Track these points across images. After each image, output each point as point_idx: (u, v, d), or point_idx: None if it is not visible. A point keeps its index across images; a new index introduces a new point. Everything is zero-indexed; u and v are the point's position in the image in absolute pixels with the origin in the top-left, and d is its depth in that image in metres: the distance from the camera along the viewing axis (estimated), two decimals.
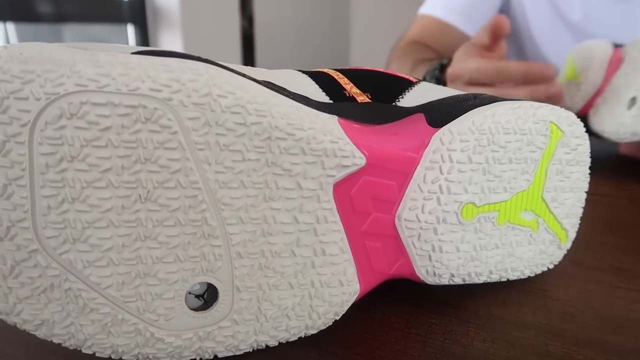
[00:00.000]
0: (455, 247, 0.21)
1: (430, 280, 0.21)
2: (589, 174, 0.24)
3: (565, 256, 0.25)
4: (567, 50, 0.51)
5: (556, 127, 0.22)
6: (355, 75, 0.24)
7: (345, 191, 0.19)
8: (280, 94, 0.18)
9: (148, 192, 0.16)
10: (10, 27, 1.88)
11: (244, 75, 0.18)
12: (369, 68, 0.26)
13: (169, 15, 1.65)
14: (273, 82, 0.20)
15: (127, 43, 1.68)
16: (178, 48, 1.65)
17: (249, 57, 1.97)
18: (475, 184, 0.21)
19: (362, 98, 0.23)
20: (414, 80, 0.25)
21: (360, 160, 0.19)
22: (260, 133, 0.17)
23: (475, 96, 0.23)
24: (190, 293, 0.17)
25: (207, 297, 0.18)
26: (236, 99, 0.16)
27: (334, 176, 0.18)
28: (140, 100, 0.15)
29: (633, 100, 0.39)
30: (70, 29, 1.86)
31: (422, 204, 0.20)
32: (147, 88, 0.15)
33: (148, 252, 0.16)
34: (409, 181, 0.20)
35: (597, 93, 0.45)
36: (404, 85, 0.25)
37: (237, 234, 0.17)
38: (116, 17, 1.61)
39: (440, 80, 0.56)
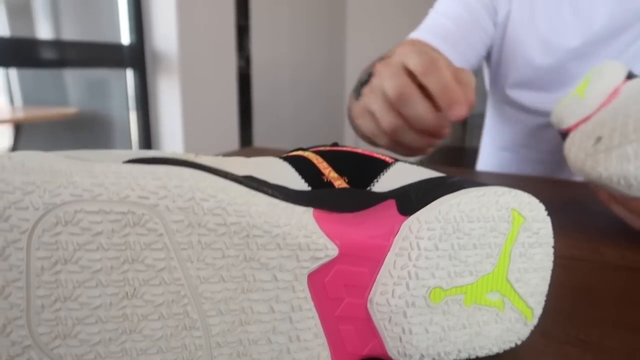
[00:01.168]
0: (424, 329, 0.22)
1: None
2: (553, 249, 0.25)
3: (536, 327, 0.26)
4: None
5: (518, 213, 0.23)
6: (333, 158, 0.26)
7: (319, 280, 0.20)
8: (260, 191, 0.20)
9: (134, 289, 0.17)
10: (13, 72, 1.93)
11: (226, 175, 0.19)
12: (348, 148, 0.28)
13: (168, 60, 1.69)
14: (254, 174, 0.21)
15: (126, 86, 1.73)
16: (176, 90, 1.69)
17: (245, 96, 2.01)
18: (442, 269, 0.22)
19: (339, 183, 0.25)
20: (389, 160, 0.27)
21: (332, 251, 0.20)
22: (239, 232, 0.18)
23: (444, 180, 0.25)
24: None
25: None
26: (217, 202, 0.18)
27: (308, 267, 0.20)
28: (130, 207, 0.17)
29: (598, 139, 0.41)
30: (71, 74, 1.91)
31: (392, 289, 0.21)
32: (136, 196, 0.17)
33: (133, 345, 0.18)
34: (380, 267, 0.22)
35: (587, 118, 0.45)
36: (380, 167, 0.27)
37: (217, 325, 0.19)
38: (116, 62, 1.65)
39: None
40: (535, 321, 0.25)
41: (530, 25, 0.72)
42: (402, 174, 0.26)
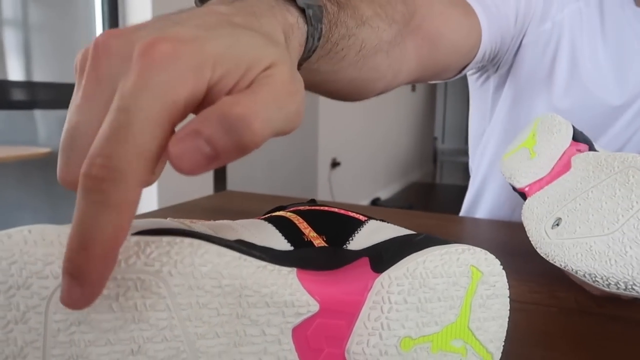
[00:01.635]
0: None
1: None
2: (509, 299, 0.28)
3: None
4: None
5: (476, 269, 0.27)
6: (312, 217, 0.29)
7: (302, 333, 0.23)
8: (249, 254, 0.22)
9: (139, 346, 0.19)
10: None
11: (219, 241, 0.22)
12: (325, 208, 0.31)
13: None
14: (244, 238, 0.24)
15: None
16: None
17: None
18: (411, 320, 0.25)
19: (319, 242, 0.27)
20: (363, 219, 0.30)
21: (314, 307, 0.23)
22: (232, 292, 0.21)
23: (411, 239, 0.28)
24: None
25: None
26: (214, 266, 0.20)
27: (292, 322, 0.22)
28: (137, 273, 0.19)
29: (557, 221, 0.44)
30: (42, 114, 1.91)
31: (367, 339, 0.24)
32: (142, 263, 0.19)
33: None
34: (356, 320, 0.24)
35: (541, 180, 0.46)
36: (354, 225, 0.30)
37: None
38: None
39: None
40: None
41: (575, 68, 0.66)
42: (374, 231, 0.29)
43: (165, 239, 0.20)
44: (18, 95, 1.63)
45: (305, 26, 0.31)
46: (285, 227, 0.27)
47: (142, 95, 0.17)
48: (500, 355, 0.28)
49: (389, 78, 0.48)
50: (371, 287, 0.25)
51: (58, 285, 0.18)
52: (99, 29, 1.75)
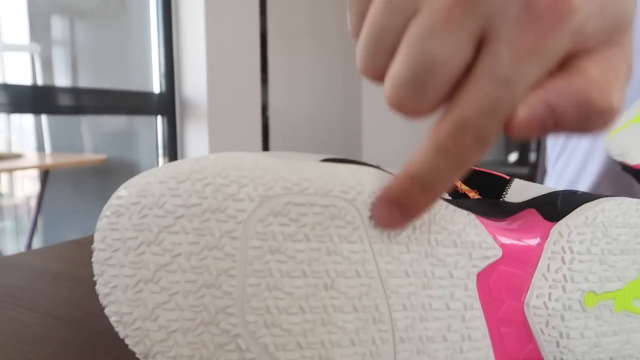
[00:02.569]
0: (580, 334, 0.22)
1: None
2: None
3: None
4: None
5: None
6: None
7: (485, 280, 0.21)
8: None
9: (332, 281, 0.18)
10: (43, 120, 1.99)
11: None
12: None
13: (197, 107, 1.75)
14: None
15: (156, 133, 1.77)
16: (204, 137, 1.73)
17: (263, 144, 2.04)
18: (594, 274, 0.22)
19: (473, 194, 0.25)
20: (507, 177, 0.28)
21: (498, 252, 0.21)
22: (422, 227, 0.19)
23: (574, 192, 0.25)
24: None
25: None
26: None
27: (478, 266, 0.20)
28: (333, 200, 0.18)
29: None
30: (99, 121, 1.96)
31: (548, 292, 0.22)
32: (338, 190, 0.18)
33: (328, 337, 0.18)
34: (534, 271, 0.22)
35: None
36: (502, 182, 0.28)
37: (401, 319, 0.19)
38: (147, 110, 1.71)
39: None
40: None
41: None
42: (524, 187, 0.27)
43: (355, 167, 0.19)
44: (86, 101, 1.68)
45: None
46: None
47: (532, 63, 0.15)
48: None
49: None
50: (548, 236, 0.23)
51: (254, 208, 0.17)
52: (154, 39, 1.79)
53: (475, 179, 0.27)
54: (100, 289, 0.17)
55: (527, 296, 0.22)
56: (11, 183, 2.35)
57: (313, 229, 0.18)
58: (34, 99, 1.61)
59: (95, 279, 0.18)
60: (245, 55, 1.90)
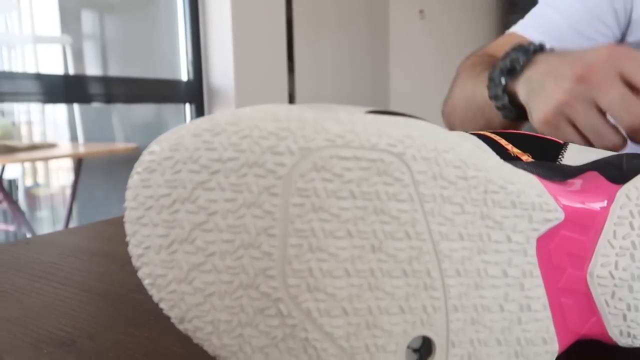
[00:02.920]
0: None
1: (622, 341, 0.21)
2: None
3: None
4: None
5: None
6: (510, 137, 0.25)
7: (546, 246, 0.19)
8: (485, 150, 0.19)
9: (380, 242, 0.16)
10: (75, 110, 2.03)
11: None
12: (519, 131, 0.27)
13: (224, 94, 1.75)
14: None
15: (185, 120, 1.78)
16: None
17: None
18: None
19: (526, 157, 0.23)
20: (561, 142, 0.26)
21: (560, 214, 0.19)
22: (477, 186, 0.17)
23: (637, 155, 0.23)
24: (408, 347, 0.17)
25: (423, 352, 0.18)
26: (457, 154, 0.17)
27: (538, 230, 0.18)
28: (380, 154, 0.16)
29: None
30: (129, 110, 1.99)
31: (614, 261, 0.20)
32: (385, 143, 0.16)
33: (376, 303, 0.17)
34: (599, 237, 0.20)
35: None
36: (556, 146, 0.26)
37: (454, 286, 0.17)
38: (176, 97, 1.72)
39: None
40: None
41: None
42: (582, 151, 0.25)
43: (402, 119, 0.17)
44: (117, 89, 1.70)
45: None
46: (486, 142, 0.23)
47: None
48: None
49: None
50: (614, 199, 0.20)
51: (296, 162, 0.16)
52: (181, 28, 1.79)
53: (527, 141, 0.25)
54: (132, 250, 0.16)
55: (591, 265, 0.20)
56: (47, 174, 2.41)
57: (359, 186, 0.16)
58: (66, 88, 1.63)
59: (127, 239, 0.17)
60: (272, 41, 1.88)
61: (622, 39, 0.64)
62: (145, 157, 0.16)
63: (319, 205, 0.16)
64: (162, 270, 0.16)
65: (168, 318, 0.17)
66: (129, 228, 0.16)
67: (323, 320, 0.16)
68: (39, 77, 1.68)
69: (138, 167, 0.16)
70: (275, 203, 0.16)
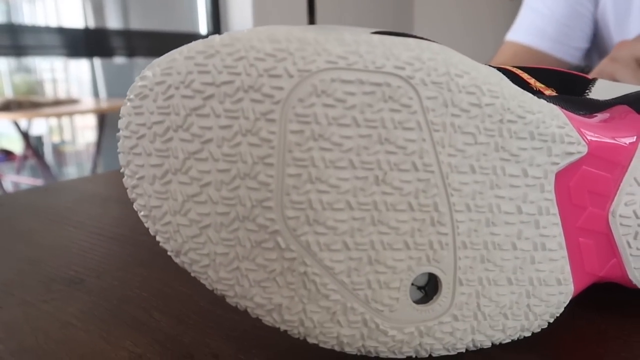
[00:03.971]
0: None
1: None
2: None
3: None
4: None
5: None
6: (532, 72, 0.23)
7: (565, 182, 0.18)
8: (505, 78, 0.17)
9: (385, 173, 0.15)
10: (97, 66, 2.03)
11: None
12: (543, 66, 0.25)
13: None
14: None
15: None
16: None
17: None
18: None
19: (549, 92, 0.22)
20: (590, 77, 0.24)
21: (583, 148, 0.17)
22: (493, 115, 0.16)
23: None
24: (412, 284, 0.17)
25: (429, 289, 0.17)
26: (471, 79, 0.16)
27: (558, 164, 0.17)
28: (385, 78, 0.15)
29: None
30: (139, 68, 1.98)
31: None
32: (391, 66, 0.15)
33: (379, 238, 0.16)
34: (625, 174, 0.19)
35: None
36: (583, 82, 0.24)
37: (464, 222, 0.16)
38: None
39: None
40: None
41: (621, 27, 0.66)
42: (611, 86, 0.23)
43: (412, 41, 0.16)
44: (132, 43, 1.69)
45: None
46: (508, 76, 0.22)
47: None
48: None
49: None
50: None
51: (295, 86, 0.15)
52: None
53: (551, 76, 0.23)
54: (127, 181, 0.16)
55: (614, 203, 0.19)
56: (73, 131, 2.45)
57: (362, 112, 0.15)
58: (87, 42, 1.63)
59: (121, 170, 0.16)
60: None
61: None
62: (137, 82, 0.15)
63: (320, 132, 0.15)
64: (157, 201, 0.16)
65: None
66: (122, 158, 0.16)
67: (323, 255, 0.15)
68: (60, 30, 1.68)
69: (130, 93, 0.15)
70: (273, 130, 0.15)
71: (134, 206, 0.16)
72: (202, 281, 0.16)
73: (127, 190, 0.16)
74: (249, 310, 0.16)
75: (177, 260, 0.16)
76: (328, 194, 0.15)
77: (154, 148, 0.15)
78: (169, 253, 0.16)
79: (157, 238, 0.16)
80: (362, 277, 0.16)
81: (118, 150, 0.16)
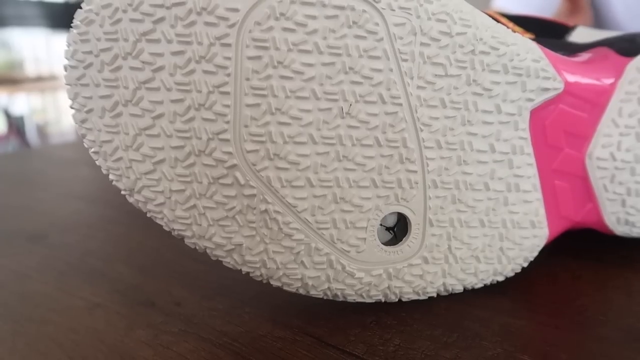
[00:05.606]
0: None
1: (619, 230, 0.19)
2: None
3: None
4: None
5: None
6: (512, 17, 0.22)
7: (540, 121, 0.17)
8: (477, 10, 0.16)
9: (350, 105, 0.15)
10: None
11: None
12: (524, 14, 0.24)
13: None
14: None
15: None
16: None
17: None
18: None
19: (528, 36, 0.21)
20: (571, 25, 0.24)
21: (559, 84, 0.17)
22: (464, 45, 0.15)
23: None
24: (381, 225, 0.16)
25: (398, 231, 0.16)
26: (442, 5, 0.15)
27: (532, 100, 0.16)
28: (349, 1, 0.14)
29: None
30: None
31: (617, 141, 0.18)
32: None
33: (344, 175, 0.15)
34: (602, 114, 0.18)
35: None
36: (563, 29, 0.23)
37: (434, 159, 0.16)
38: None
39: None
40: None
41: None
42: (591, 33, 0.22)
43: None
44: None
45: None
46: None
47: None
48: None
49: None
50: (622, 74, 0.18)
51: (251, 7, 0.14)
52: None
53: (531, 22, 0.22)
54: (75, 116, 0.15)
55: (591, 145, 0.18)
56: (57, 112, 2.40)
57: (325, 38, 0.14)
58: (68, 16, 1.58)
59: (70, 105, 0.15)
60: None
61: None
62: (83, 7, 0.14)
63: (279, 59, 0.14)
64: (107, 136, 0.15)
65: (145, 215, 0.15)
66: (69, 91, 0.15)
67: (285, 191, 0.15)
68: (41, 4, 1.63)
69: (75, 19, 0.14)
70: (228, 56, 0.14)
71: (83, 142, 0.15)
72: (158, 221, 0.15)
73: (76, 126, 0.15)
74: (208, 251, 0.15)
75: (131, 199, 0.15)
76: (289, 126, 0.14)
77: (102, 78, 0.14)
78: (122, 192, 0.15)
79: (110, 176, 0.15)
80: (327, 216, 0.15)
81: (65, 82, 0.15)
